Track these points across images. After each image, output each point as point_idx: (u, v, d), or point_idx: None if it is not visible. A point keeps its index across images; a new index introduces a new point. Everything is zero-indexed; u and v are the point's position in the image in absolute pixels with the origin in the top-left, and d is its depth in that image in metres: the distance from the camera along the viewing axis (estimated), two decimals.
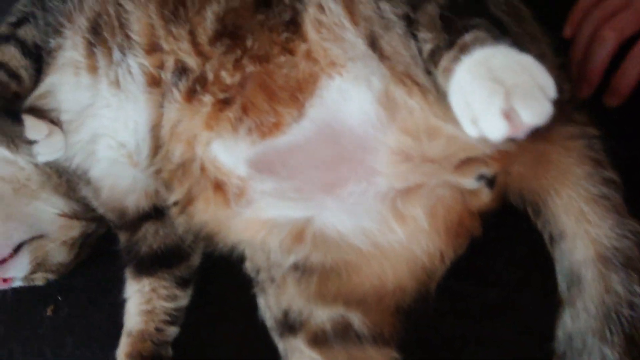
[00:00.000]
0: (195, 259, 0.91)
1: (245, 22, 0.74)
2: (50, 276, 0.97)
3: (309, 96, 0.71)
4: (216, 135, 0.75)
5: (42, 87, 0.86)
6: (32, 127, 0.84)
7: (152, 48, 0.79)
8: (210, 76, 0.75)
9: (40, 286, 0.98)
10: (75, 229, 0.95)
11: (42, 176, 0.94)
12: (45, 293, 1.00)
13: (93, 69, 0.83)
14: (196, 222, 0.83)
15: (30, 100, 0.87)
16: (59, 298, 1.00)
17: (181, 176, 0.81)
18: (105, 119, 0.85)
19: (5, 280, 0.90)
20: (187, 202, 0.83)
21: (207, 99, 0.75)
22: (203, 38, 0.75)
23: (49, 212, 0.94)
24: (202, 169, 0.78)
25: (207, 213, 0.81)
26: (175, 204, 0.84)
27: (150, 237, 0.89)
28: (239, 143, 0.74)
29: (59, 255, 0.94)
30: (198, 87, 0.75)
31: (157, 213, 0.88)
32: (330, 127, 0.72)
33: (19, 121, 0.83)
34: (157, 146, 0.82)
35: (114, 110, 0.83)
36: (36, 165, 0.93)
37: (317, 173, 0.74)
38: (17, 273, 0.90)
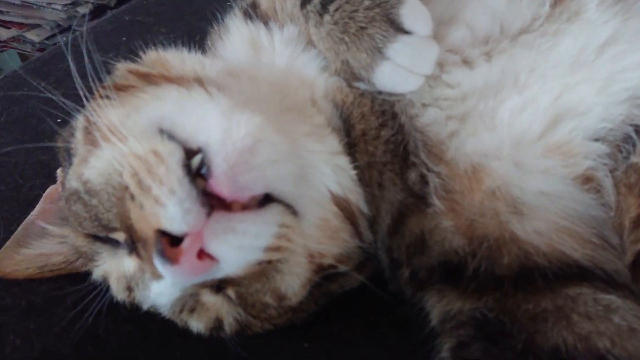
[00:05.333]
0: None
1: None
2: (234, 317, 0.50)
3: None
4: None
5: None
6: (415, 5, 0.46)
7: None
8: None
9: None
10: (334, 244, 0.50)
11: (348, 109, 0.49)
12: None
13: None
14: None
15: None
16: None
17: None
18: (545, 57, 0.44)
19: (201, 255, 0.39)
20: None
21: None
22: None
23: (323, 175, 0.50)
24: None
25: None
26: None
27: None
28: None
29: (293, 273, 0.48)
30: None
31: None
32: None
33: None
34: None
35: (587, 51, 0.46)
36: (348, 83, 0.49)
37: None
38: (235, 257, 0.43)
